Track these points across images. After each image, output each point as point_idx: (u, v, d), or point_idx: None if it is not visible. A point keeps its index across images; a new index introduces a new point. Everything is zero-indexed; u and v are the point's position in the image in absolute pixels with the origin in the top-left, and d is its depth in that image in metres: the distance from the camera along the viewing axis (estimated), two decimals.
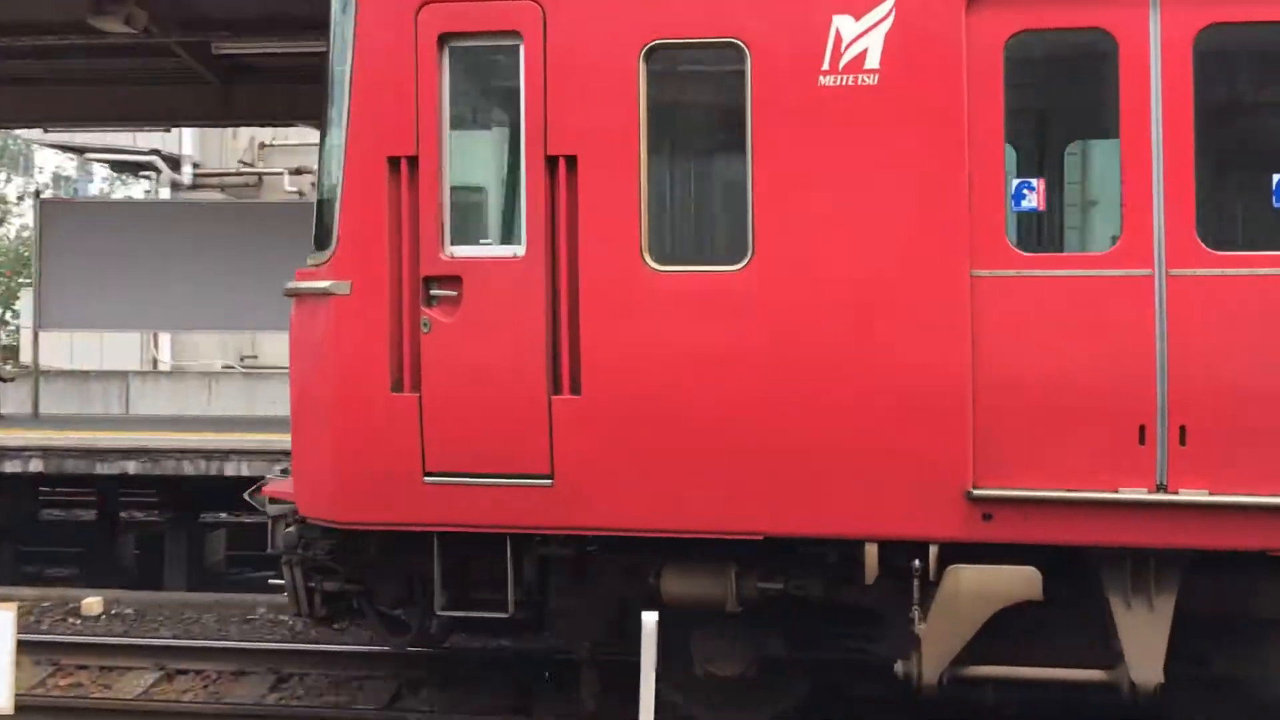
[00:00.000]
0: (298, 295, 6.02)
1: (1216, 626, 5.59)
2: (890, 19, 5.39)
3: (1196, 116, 5.21)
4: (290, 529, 6.89)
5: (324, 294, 5.76)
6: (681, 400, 5.48)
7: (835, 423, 5.40)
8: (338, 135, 5.85)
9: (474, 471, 5.64)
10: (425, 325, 5.64)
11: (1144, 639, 5.40)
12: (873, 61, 5.40)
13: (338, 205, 5.77)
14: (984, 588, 5.43)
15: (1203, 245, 5.23)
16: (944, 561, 5.46)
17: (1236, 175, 6.06)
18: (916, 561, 5.46)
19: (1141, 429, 5.27)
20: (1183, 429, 5.23)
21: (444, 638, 7.36)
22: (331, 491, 5.85)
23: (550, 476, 5.58)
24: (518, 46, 5.65)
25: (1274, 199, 5.31)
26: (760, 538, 5.56)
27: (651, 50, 5.55)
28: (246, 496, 7.35)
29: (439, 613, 5.88)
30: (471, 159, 5.89)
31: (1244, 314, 5.18)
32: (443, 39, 5.68)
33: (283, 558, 6.94)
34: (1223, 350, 5.18)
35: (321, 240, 6.02)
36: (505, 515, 5.66)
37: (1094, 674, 5.52)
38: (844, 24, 5.43)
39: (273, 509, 7.09)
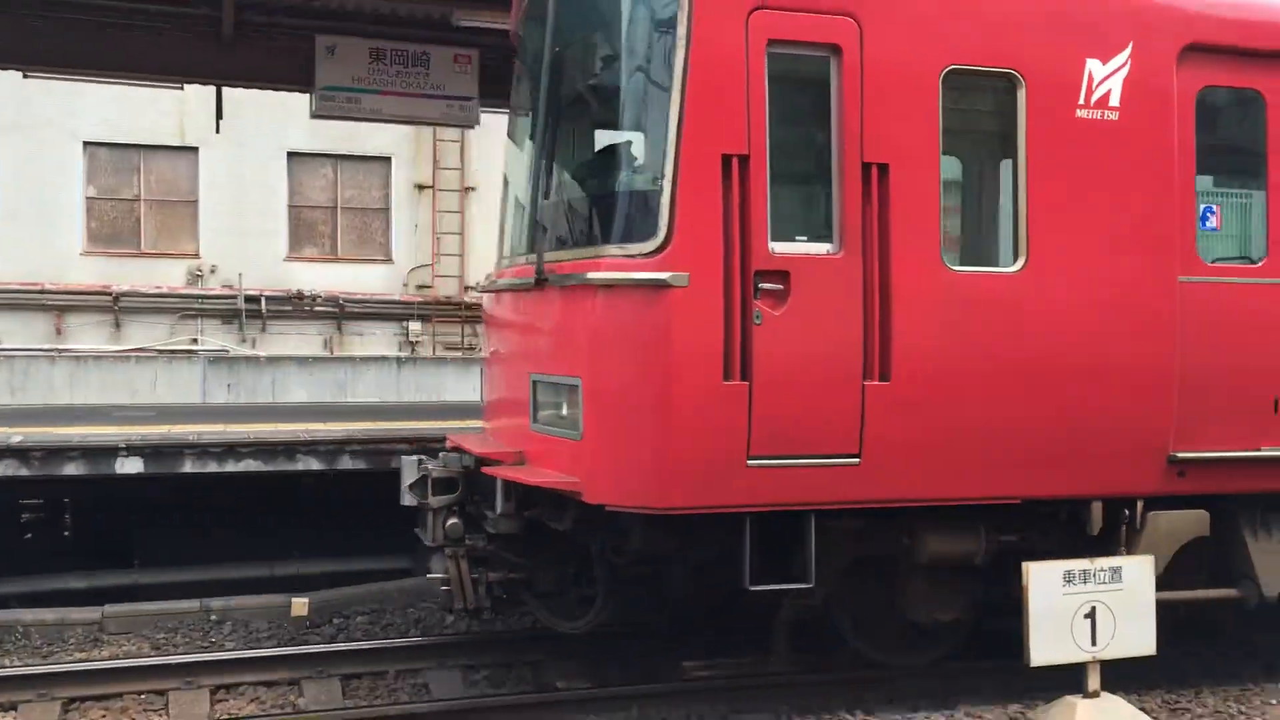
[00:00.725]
0: (610, 287, 5.99)
1: None
2: (1127, 66, 6.51)
3: None
4: (455, 521, 6.81)
5: (658, 285, 5.84)
6: (968, 386, 6.27)
7: (1081, 405, 6.47)
8: (658, 132, 5.92)
9: (792, 453, 6.05)
10: (757, 317, 5.94)
11: (1268, 563, 7.05)
12: (1115, 100, 6.49)
13: (667, 200, 5.86)
14: (1174, 529, 6.79)
15: None
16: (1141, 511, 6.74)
17: None
18: (1126, 511, 6.69)
19: (1275, 401, 6.86)
20: None
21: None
22: (653, 478, 5.96)
23: (858, 455, 6.14)
24: (836, 58, 6.08)
25: None
26: (1018, 501, 6.52)
27: (949, 74, 6.24)
28: (411, 489, 7.01)
29: (751, 588, 6.20)
30: (791, 160, 6.20)
31: None
32: (769, 45, 5.97)
33: (447, 550, 6.84)
34: None
35: (617, 226, 6.07)
36: (821, 493, 6.14)
37: (1232, 592, 7.09)
38: (1095, 66, 6.47)
39: (435, 501, 6.91)
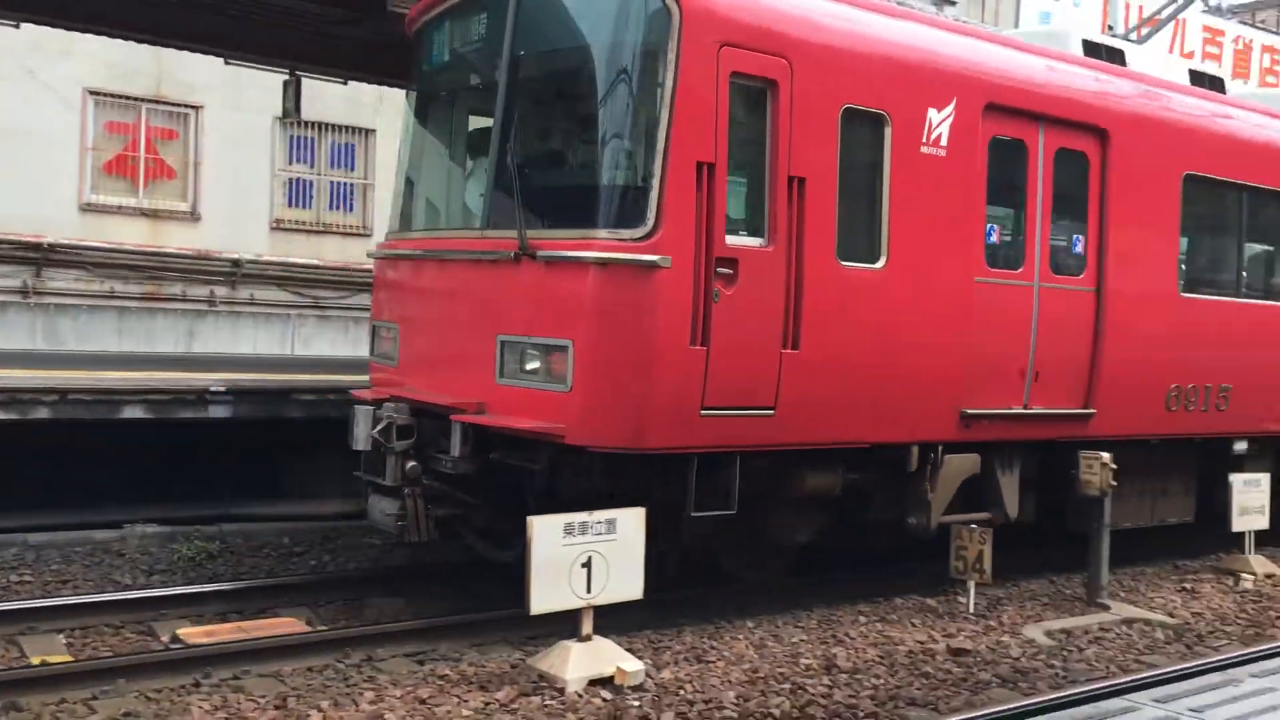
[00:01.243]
0: (601, 266, 7.16)
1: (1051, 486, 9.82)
2: (952, 116, 8.58)
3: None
4: (414, 463, 7.78)
5: (649, 266, 7.11)
6: (847, 356, 8.07)
7: (913, 372, 8.48)
8: (650, 139, 7.20)
9: (730, 405, 7.56)
10: (715, 295, 7.38)
11: (1010, 494, 9.48)
12: (944, 141, 8.55)
13: (656, 195, 7.14)
14: (961, 467, 9.01)
15: (1051, 273, 9.39)
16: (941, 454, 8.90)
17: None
18: (932, 454, 8.81)
19: (1021, 372, 9.28)
20: (1037, 373, 9.35)
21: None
22: (635, 424, 7.23)
23: (774, 408, 7.76)
24: (773, 90, 7.62)
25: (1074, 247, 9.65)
26: (868, 445, 8.43)
27: (845, 110, 7.99)
28: (376, 434, 7.74)
29: (693, 514, 7.62)
30: (739, 170, 7.63)
31: (1059, 311, 9.42)
32: (731, 75, 7.40)
33: (405, 490, 7.78)
34: (1054, 331, 9.39)
35: (610, 214, 7.28)
36: (746, 438, 7.69)
37: (987, 514, 9.43)
38: (933, 114, 8.48)
39: (399, 445, 7.79)
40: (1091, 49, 10.33)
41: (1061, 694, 6.79)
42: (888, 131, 8.25)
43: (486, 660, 7.28)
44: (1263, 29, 32.51)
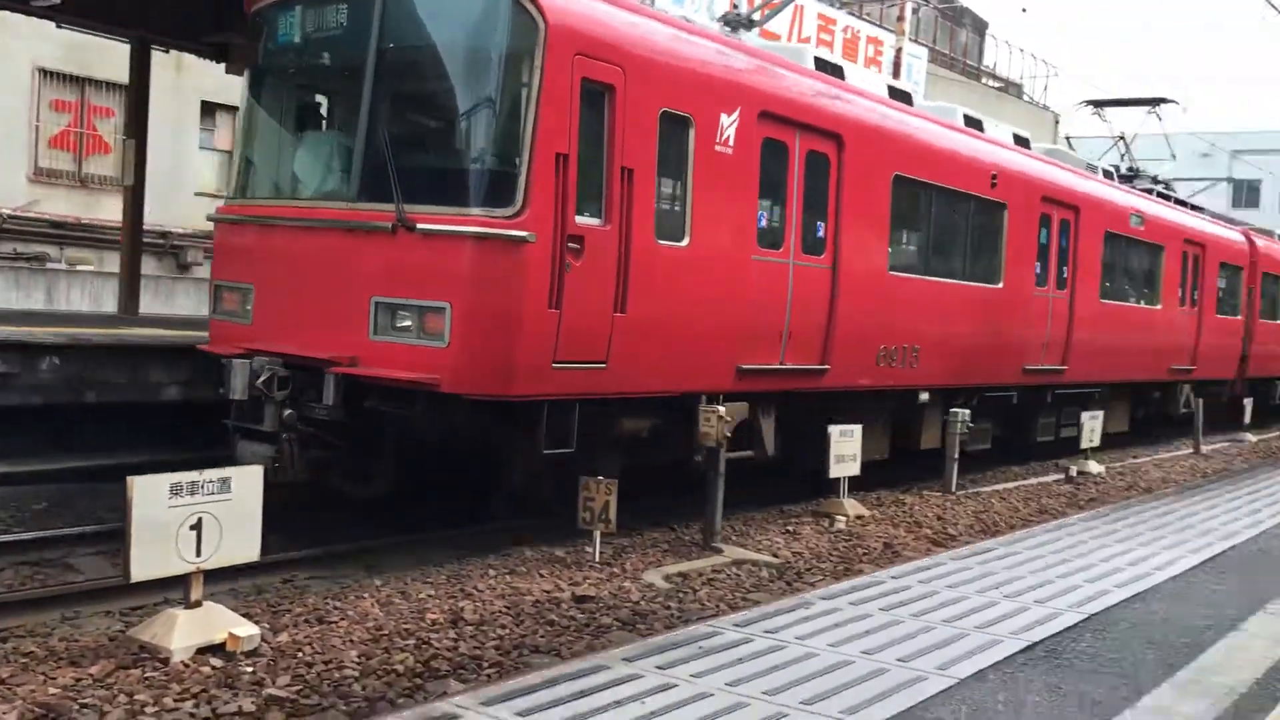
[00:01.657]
0: (478, 240, 8.32)
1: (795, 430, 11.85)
2: (738, 121, 10.33)
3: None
4: (290, 411, 8.73)
5: (519, 240, 8.36)
6: (662, 318, 9.66)
7: (707, 332, 10.21)
8: (519, 131, 8.43)
9: (574, 360, 8.95)
10: (567, 267, 8.73)
11: (769, 435, 11.45)
12: (731, 142, 10.28)
13: (523, 180, 8.40)
14: (736, 412, 10.84)
15: (802, 253, 11.40)
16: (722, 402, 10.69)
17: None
18: (715, 404, 10.59)
19: (779, 335, 11.25)
20: (791, 335, 11.36)
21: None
22: (504, 374, 8.48)
23: (605, 363, 9.23)
24: (610, 94, 9.03)
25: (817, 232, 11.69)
26: (677, 394, 10.09)
27: (663, 113, 9.53)
28: (260, 385, 8.50)
29: (544, 452, 8.95)
30: (585, 160, 8.94)
31: (807, 284, 11.47)
32: (582, 80, 8.75)
33: (283, 434, 8.71)
34: (803, 301, 11.43)
35: (484, 195, 8.45)
36: (584, 387, 9.12)
37: (749, 453, 11.34)
38: (724, 118, 10.19)
39: (279, 394, 8.68)
40: (820, 64, 12.41)
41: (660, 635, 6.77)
42: (692, 132, 9.88)
43: (81, 634, 6.77)
44: (868, 21, 35.20)
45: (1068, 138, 24.93)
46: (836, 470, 11.75)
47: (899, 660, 5.35)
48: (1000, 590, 6.95)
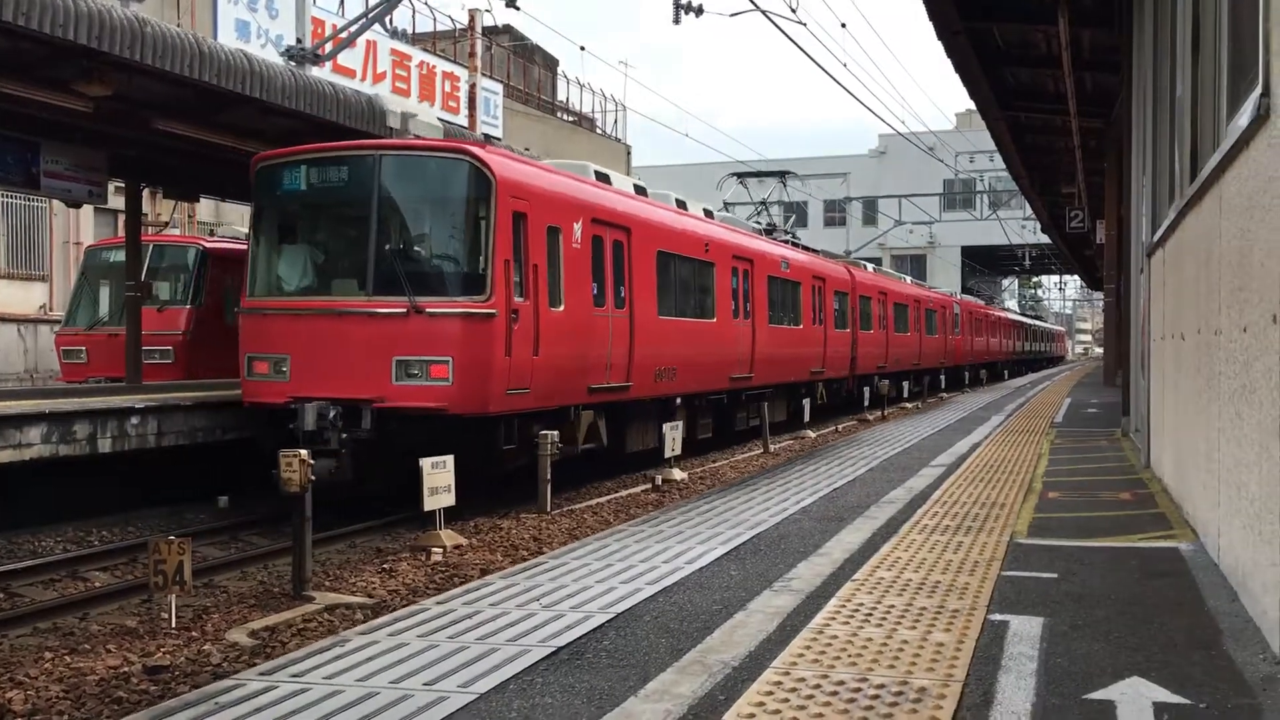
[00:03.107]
0: (467, 316, 13.31)
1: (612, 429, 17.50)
2: (581, 225, 15.86)
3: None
4: (345, 435, 13.44)
5: (489, 316, 13.45)
6: (560, 359, 14.97)
7: (577, 366, 15.62)
8: (484, 247, 13.53)
9: (515, 388, 14.09)
10: (511, 330, 13.89)
11: (604, 432, 16.97)
12: (578, 239, 15.79)
13: (489, 279, 13.49)
14: (587, 418, 16.28)
15: (614, 308, 17.10)
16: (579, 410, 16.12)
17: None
18: (576, 411, 15.99)
19: (604, 365, 16.85)
20: (611, 365, 16.98)
21: None
22: (482, 401, 13.50)
23: (529, 389, 14.43)
24: (523, 219, 14.28)
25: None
26: (554, 407, 15.41)
27: (548, 227, 14.90)
28: (331, 418, 13.00)
29: (504, 448, 14.03)
30: (517, 261, 14.08)
31: (618, 328, 17.17)
32: (513, 213, 13.96)
33: (342, 451, 13.38)
34: (615, 340, 17.07)
35: (466, 288, 13.47)
36: (519, 405, 14.29)
37: (592, 445, 16.78)
38: (577, 226, 15.69)
39: (339, 423, 13.34)
40: (599, 175, 18.13)
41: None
42: (561, 236, 15.28)
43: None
44: (443, 57, 35.73)
45: (725, 204, 31.93)
46: (431, 503, 11.76)
47: (425, 685, 5.01)
48: (539, 602, 6.73)
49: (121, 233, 22.27)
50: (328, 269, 14.38)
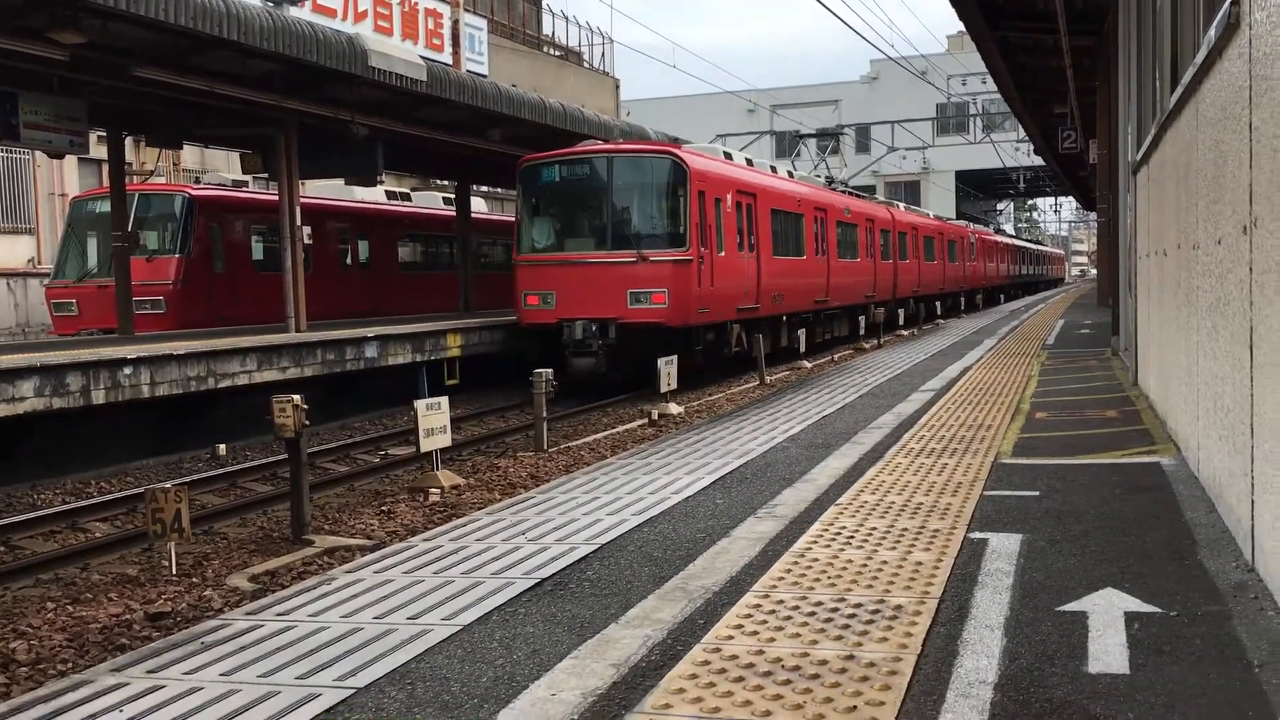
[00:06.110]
0: (675, 262, 18.88)
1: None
2: (730, 196, 18.70)
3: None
4: (601, 341, 19.14)
5: (687, 261, 19.20)
6: (728, 288, 20.33)
7: (740, 294, 20.88)
8: (684, 215, 18.01)
9: (701, 308, 19.78)
10: (700, 270, 17.04)
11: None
12: (729, 205, 17.79)
13: (688, 237, 18.46)
14: (739, 331, 20.19)
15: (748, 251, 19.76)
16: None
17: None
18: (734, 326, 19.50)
19: (752, 293, 20.06)
20: (756, 291, 19.24)
21: None
22: (685, 316, 19.42)
23: (709, 309, 18.82)
24: (704, 194, 19.10)
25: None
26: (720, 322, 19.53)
27: (715, 199, 17.59)
28: (593, 330, 14.67)
29: (696, 348, 18.93)
30: (702, 225, 17.59)
31: (753, 266, 20.39)
32: (698, 194, 17.43)
33: (598, 350, 19.08)
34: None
35: (672, 243, 19.40)
36: (704, 319, 20.16)
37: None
38: (729, 197, 18.29)
39: (598, 333, 19.07)
40: (725, 154, 23.55)
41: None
42: (721, 204, 19.47)
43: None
44: None
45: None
46: (427, 445, 11.60)
47: (409, 619, 5.00)
48: (525, 535, 6.68)
49: (106, 183, 22.08)
50: (579, 233, 20.41)
